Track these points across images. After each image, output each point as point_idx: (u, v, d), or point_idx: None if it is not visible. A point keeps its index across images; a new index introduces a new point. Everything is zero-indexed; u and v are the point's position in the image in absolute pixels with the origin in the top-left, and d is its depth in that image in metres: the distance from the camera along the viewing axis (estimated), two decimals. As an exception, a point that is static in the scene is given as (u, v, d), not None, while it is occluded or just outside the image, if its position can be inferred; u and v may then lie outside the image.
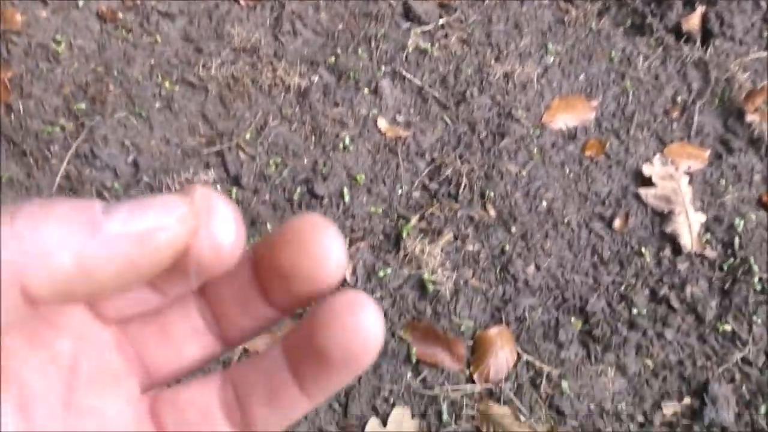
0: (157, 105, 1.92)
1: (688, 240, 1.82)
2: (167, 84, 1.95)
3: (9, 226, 0.24)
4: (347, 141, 1.92)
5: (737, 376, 1.65)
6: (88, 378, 0.29)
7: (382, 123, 1.98)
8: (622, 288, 1.76)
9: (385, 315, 1.67)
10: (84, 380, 0.29)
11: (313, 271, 0.29)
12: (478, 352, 1.63)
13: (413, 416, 1.57)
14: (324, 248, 0.29)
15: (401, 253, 1.74)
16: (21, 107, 1.85)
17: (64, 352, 0.29)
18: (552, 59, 2.13)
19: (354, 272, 1.70)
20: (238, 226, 0.28)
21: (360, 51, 2.07)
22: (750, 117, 2.00)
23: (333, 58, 2.05)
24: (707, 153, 1.97)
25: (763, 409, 1.60)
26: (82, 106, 1.86)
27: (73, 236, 0.25)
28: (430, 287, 1.69)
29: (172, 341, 0.32)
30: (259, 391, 0.30)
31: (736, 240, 1.81)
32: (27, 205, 0.25)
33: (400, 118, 2.01)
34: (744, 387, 1.63)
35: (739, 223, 1.83)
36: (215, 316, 0.32)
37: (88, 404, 0.29)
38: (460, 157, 1.92)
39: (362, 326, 0.28)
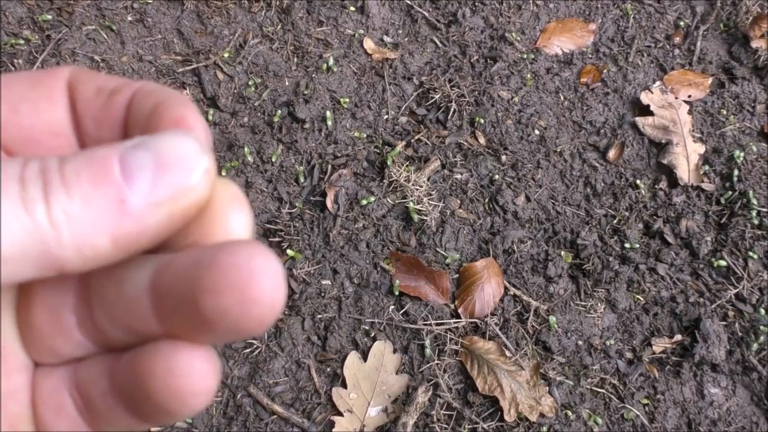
0: (129, 18, 1.80)
1: (685, 172, 1.74)
2: (140, -3, 1.83)
3: (46, 207, 0.25)
4: (331, 62, 1.81)
5: (730, 313, 1.60)
6: None
7: (369, 43, 1.88)
8: (615, 221, 1.69)
9: (368, 245, 1.60)
10: None
11: None
12: (463, 285, 1.57)
13: (395, 351, 1.51)
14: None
15: (386, 181, 1.65)
16: (-18, 19, 1.73)
17: None
18: (549, -21, 2.01)
19: (336, 200, 1.62)
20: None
21: (346, -34, 1.95)
22: (755, 43, 1.90)
23: (317, -27, 1.93)
24: (709, 81, 1.88)
25: (754, 347, 1.55)
26: (48, 17, 1.74)
27: (104, 221, 0.25)
28: (416, 217, 1.61)
29: None
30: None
31: (735, 172, 1.74)
32: (56, 187, 0.25)
33: (388, 39, 1.90)
34: (737, 324, 1.58)
35: (739, 155, 1.76)
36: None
37: None
38: (450, 81, 1.82)
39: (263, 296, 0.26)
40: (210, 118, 1.71)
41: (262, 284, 0.25)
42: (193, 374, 0.26)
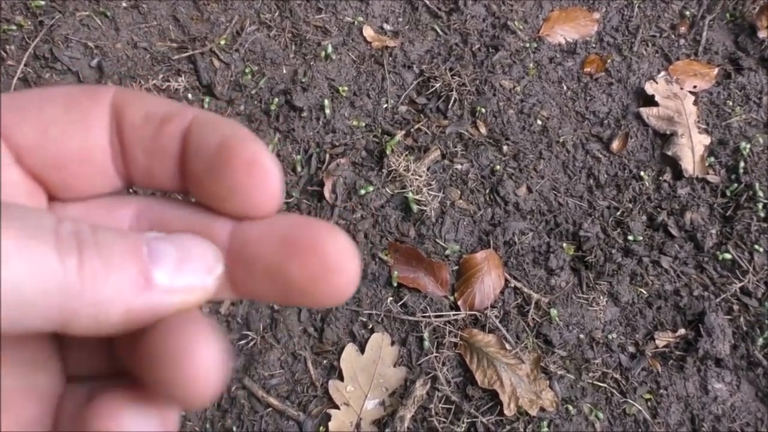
0: (124, 4, 1.77)
1: (690, 163, 1.71)
2: (135, -18, 1.79)
3: (78, 261, 0.25)
4: (330, 50, 1.78)
5: (735, 307, 1.56)
6: None
7: (368, 31, 1.84)
8: (618, 213, 1.66)
9: (366, 236, 1.57)
10: None
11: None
12: (463, 277, 1.54)
13: (393, 343, 1.48)
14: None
15: (385, 171, 1.62)
16: (-26, 4, 1.70)
17: None
18: (553, -33, 1.98)
19: (334, 190, 1.59)
20: None
21: (346, -48, 1.91)
22: (762, 33, 1.87)
23: (316, -41, 1.89)
24: (715, 71, 1.85)
25: (760, 342, 1.52)
26: (41, 2, 1.70)
27: (125, 291, 0.26)
28: (415, 207, 1.58)
29: None
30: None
31: (741, 164, 1.70)
32: (90, 248, 0.26)
33: (388, 27, 1.87)
34: (741, 318, 1.55)
35: (745, 147, 1.72)
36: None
37: None
38: (451, 70, 1.79)
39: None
40: (206, 106, 1.68)
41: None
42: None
